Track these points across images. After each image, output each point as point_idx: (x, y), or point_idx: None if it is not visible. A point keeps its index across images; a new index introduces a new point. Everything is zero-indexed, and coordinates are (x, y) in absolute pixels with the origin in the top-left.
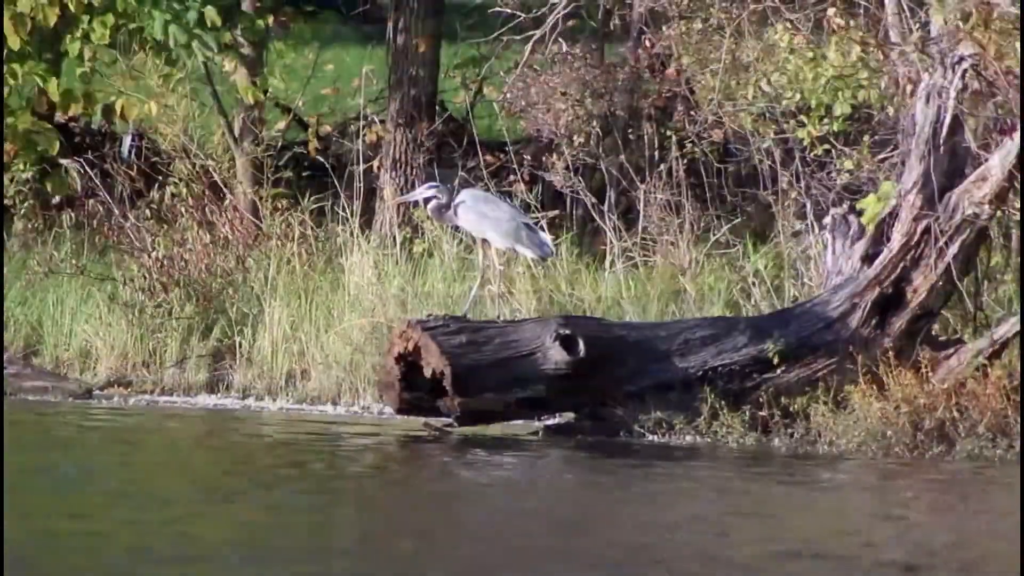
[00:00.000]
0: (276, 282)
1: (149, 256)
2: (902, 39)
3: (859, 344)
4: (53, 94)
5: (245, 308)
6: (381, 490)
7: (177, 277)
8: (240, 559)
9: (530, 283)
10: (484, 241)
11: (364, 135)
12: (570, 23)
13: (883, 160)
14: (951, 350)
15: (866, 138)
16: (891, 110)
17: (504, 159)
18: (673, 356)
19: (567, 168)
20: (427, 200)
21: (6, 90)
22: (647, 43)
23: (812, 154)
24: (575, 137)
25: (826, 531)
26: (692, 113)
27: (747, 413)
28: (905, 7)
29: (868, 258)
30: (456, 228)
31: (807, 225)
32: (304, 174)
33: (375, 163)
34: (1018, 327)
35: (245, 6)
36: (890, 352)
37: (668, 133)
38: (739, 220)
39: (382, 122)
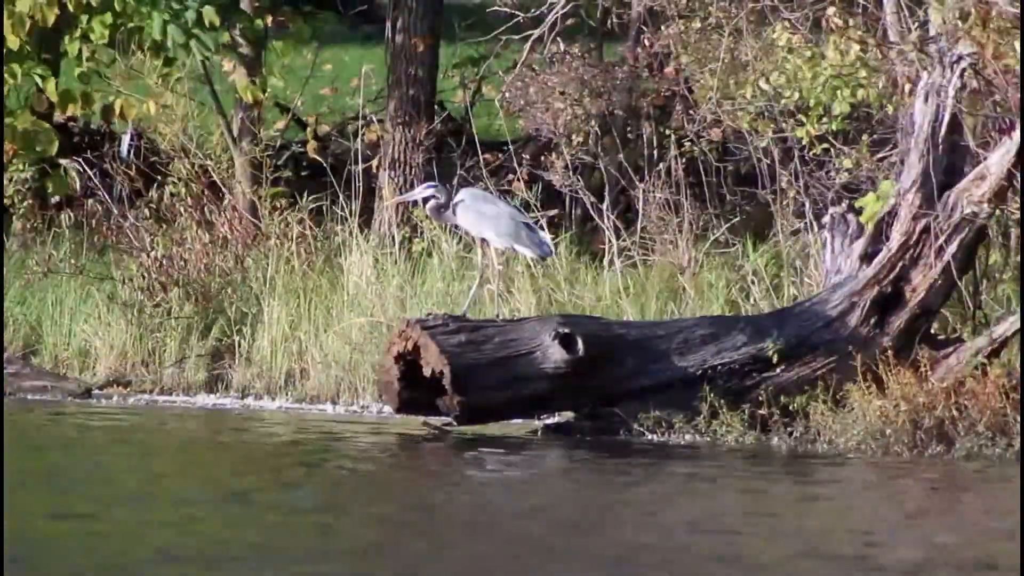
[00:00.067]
0: (275, 281)
1: (148, 256)
2: (901, 38)
3: (858, 343)
4: (52, 94)
5: (244, 307)
6: (386, 490)
7: (176, 277)
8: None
9: (529, 282)
10: (483, 240)
11: (363, 135)
12: (569, 22)
13: (882, 159)
14: (950, 349)
15: (865, 137)
16: (890, 109)
17: (503, 158)
18: (672, 355)
19: (566, 167)
20: (426, 199)
21: (5, 90)
22: (646, 42)
23: (811, 153)
24: (574, 136)
25: (830, 530)
26: (691, 112)
27: (746, 412)
28: (904, 6)
29: (867, 257)
30: (455, 227)
31: (806, 224)
32: (303, 174)
33: (374, 163)
34: (1017, 326)
35: (243, 5)
36: (889, 351)
37: (667, 132)
38: (738, 219)
39: (381, 122)
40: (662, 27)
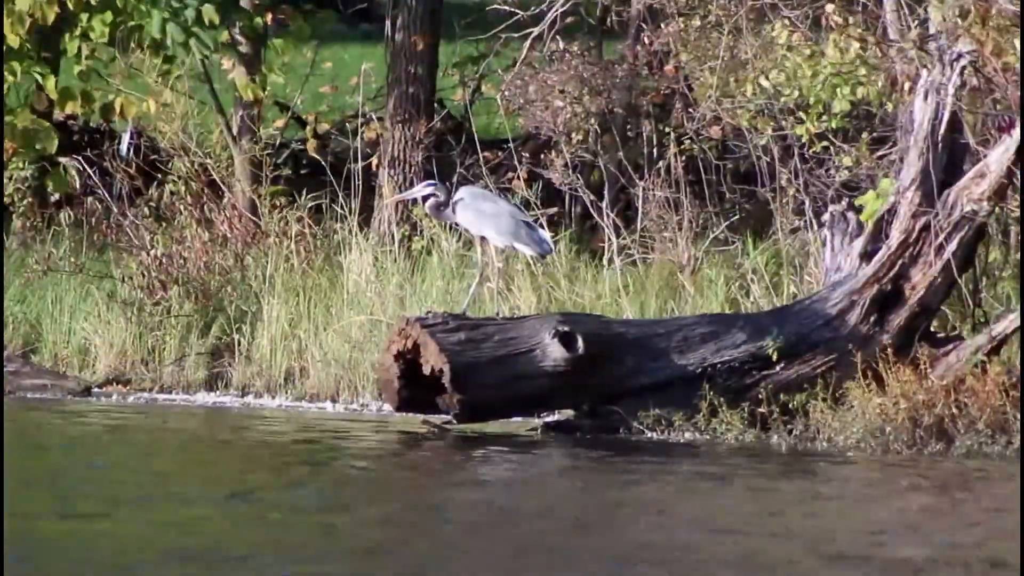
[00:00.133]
0: (275, 280)
1: (148, 254)
2: (900, 36)
3: (858, 341)
4: (52, 92)
5: (244, 306)
6: (389, 489)
7: (176, 275)
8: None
9: (529, 280)
10: (483, 238)
11: (362, 133)
12: (568, 20)
13: (881, 157)
14: (950, 347)
15: (864, 135)
16: (890, 107)
17: (502, 156)
18: (672, 353)
19: (565, 165)
20: (425, 198)
21: (5, 88)
22: (645, 40)
23: (811, 151)
24: (573, 134)
25: (834, 528)
26: (690, 110)
27: (746, 410)
28: (903, 4)
29: (867, 255)
30: (455, 226)
31: (806, 222)
32: (302, 172)
33: (373, 161)
34: (1017, 323)
35: (243, 3)
36: (889, 349)
37: (666, 130)
38: (738, 217)
39: (380, 120)
40: (662, 25)
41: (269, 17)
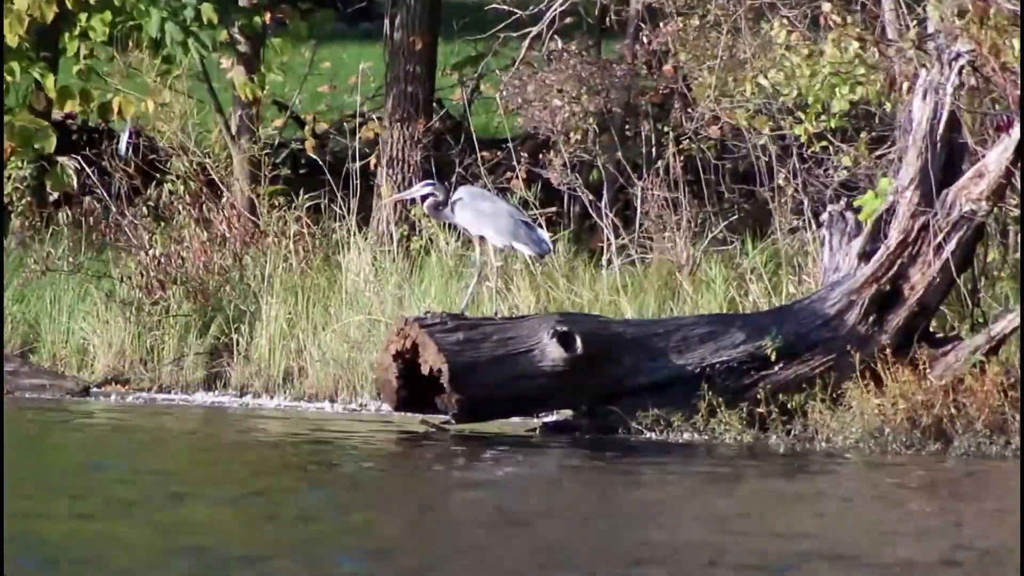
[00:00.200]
0: (273, 279)
1: (146, 253)
2: (899, 35)
3: (856, 341)
4: (50, 91)
5: (242, 305)
6: (391, 490)
7: (174, 274)
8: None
9: (528, 280)
10: (481, 238)
11: (361, 133)
12: (567, 20)
13: (880, 157)
14: (948, 347)
15: (863, 135)
16: (888, 107)
17: (501, 156)
18: (671, 353)
19: (564, 165)
20: (424, 197)
21: (3, 87)
22: (644, 40)
23: (809, 151)
24: (572, 134)
25: (834, 529)
26: (689, 110)
27: (744, 410)
28: (902, 3)
29: (865, 255)
30: (453, 225)
31: (804, 222)
32: (301, 171)
33: (372, 160)
34: (1016, 323)
35: (242, 3)
36: (887, 349)
37: (665, 130)
38: (736, 217)
39: (379, 119)
40: (660, 24)
41: (268, 16)
